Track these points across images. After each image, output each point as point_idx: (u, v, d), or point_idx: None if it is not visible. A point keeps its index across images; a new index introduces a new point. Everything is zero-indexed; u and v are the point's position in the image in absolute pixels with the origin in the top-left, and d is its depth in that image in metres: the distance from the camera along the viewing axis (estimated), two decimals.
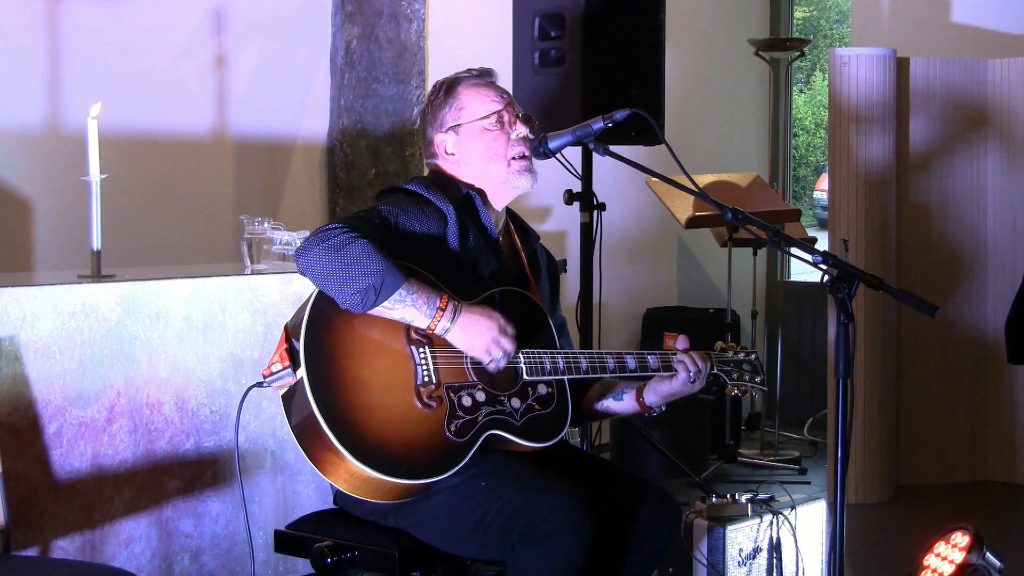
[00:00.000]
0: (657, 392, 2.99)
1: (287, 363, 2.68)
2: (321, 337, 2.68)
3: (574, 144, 2.95)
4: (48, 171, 4.53)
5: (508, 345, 2.76)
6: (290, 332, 2.72)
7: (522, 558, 2.64)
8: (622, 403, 3.05)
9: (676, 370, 2.94)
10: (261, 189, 5.22)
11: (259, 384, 2.73)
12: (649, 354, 2.96)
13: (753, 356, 3.11)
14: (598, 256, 4.38)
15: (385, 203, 2.84)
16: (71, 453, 3.18)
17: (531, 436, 2.80)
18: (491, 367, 2.77)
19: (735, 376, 3.06)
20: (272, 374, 2.69)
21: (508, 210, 3.07)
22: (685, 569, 3.70)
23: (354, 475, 2.65)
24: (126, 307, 3.28)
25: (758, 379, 3.08)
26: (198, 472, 3.45)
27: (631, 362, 2.93)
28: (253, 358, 3.51)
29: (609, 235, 4.40)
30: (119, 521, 3.28)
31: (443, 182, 2.95)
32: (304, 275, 2.70)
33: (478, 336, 2.73)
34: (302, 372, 2.64)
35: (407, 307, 2.68)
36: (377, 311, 2.68)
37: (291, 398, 2.71)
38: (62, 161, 4.48)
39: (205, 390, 3.45)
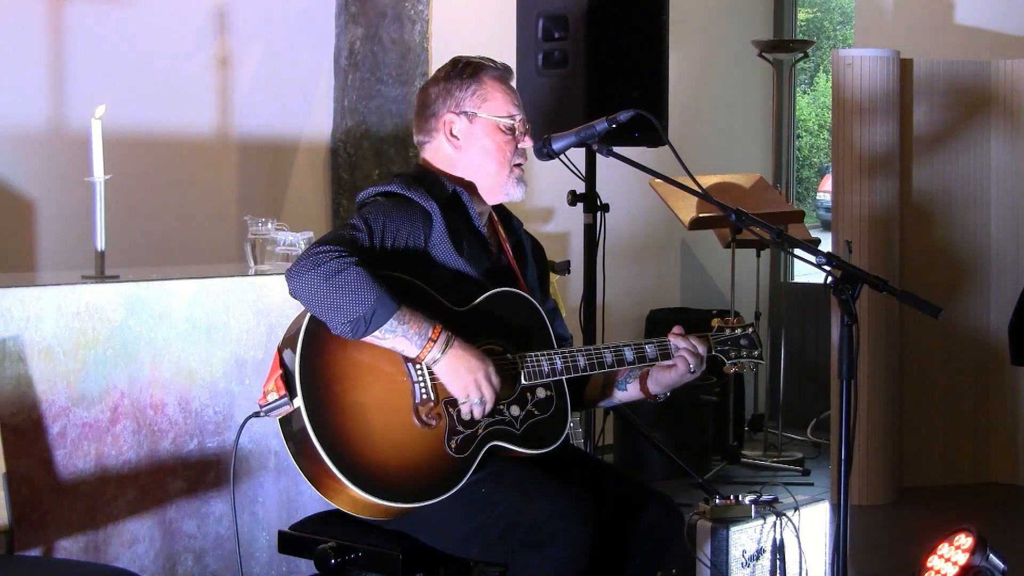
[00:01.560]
0: (660, 382, 2.97)
1: (283, 392, 2.65)
2: (316, 363, 2.66)
3: (578, 145, 2.95)
4: (52, 172, 4.53)
5: (488, 393, 2.70)
6: (284, 357, 2.70)
7: (524, 562, 2.63)
8: (626, 392, 3.03)
9: (675, 361, 2.92)
10: (265, 190, 5.22)
11: (256, 415, 2.72)
12: (647, 343, 2.93)
13: (750, 330, 3.06)
14: (601, 257, 4.37)
15: (369, 212, 2.79)
16: (75, 454, 3.18)
17: (532, 443, 2.79)
18: (463, 409, 2.71)
19: (732, 354, 3.02)
20: (269, 404, 2.66)
21: None
22: (688, 570, 3.70)
23: (357, 501, 2.65)
24: (130, 308, 3.28)
25: (755, 353, 3.04)
26: (201, 473, 3.45)
27: (629, 354, 2.91)
28: (257, 359, 3.52)
29: (612, 236, 4.39)
30: (123, 522, 3.29)
31: (428, 179, 2.90)
32: (295, 299, 2.68)
33: (463, 373, 2.68)
34: (299, 401, 2.62)
35: (398, 337, 2.65)
36: (368, 340, 2.65)
37: (289, 423, 2.70)
38: (66, 162, 4.49)
39: (208, 391, 3.45)
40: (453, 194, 2.89)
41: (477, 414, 2.71)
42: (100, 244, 3.34)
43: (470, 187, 2.93)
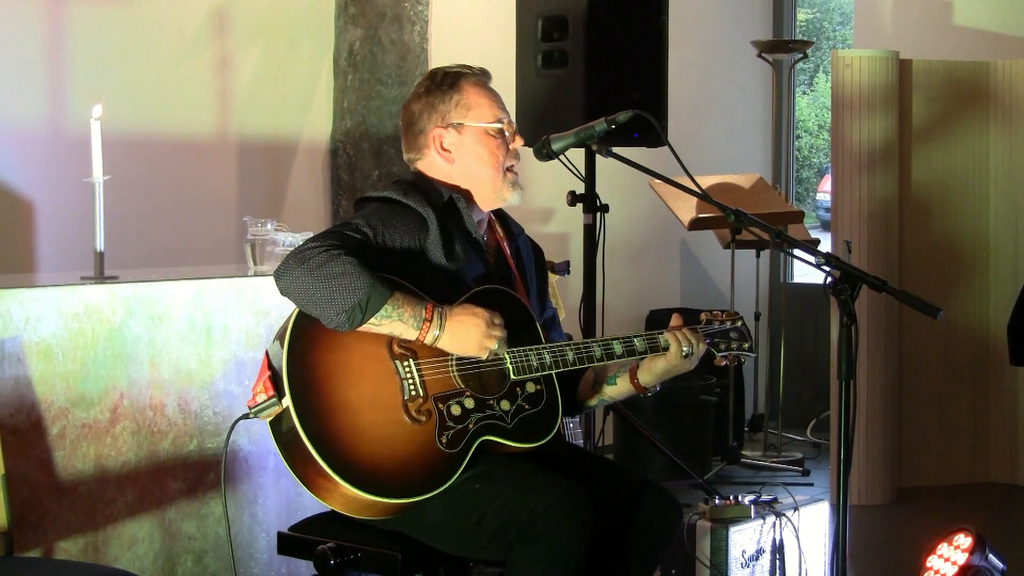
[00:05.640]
0: (651, 370, 2.94)
1: (271, 392, 2.65)
2: (303, 362, 2.65)
3: (577, 146, 2.95)
4: (51, 173, 4.54)
5: (500, 332, 2.74)
6: (271, 358, 2.69)
7: (521, 556, 2.63)
8: (616, 387, 3.01)
9: (667, 347, 2.90)
10: (264, 191, 5.22)
11: (245, 416, 2.71)
12: (635, 337, 2.92)
13: (739, 323, 3.05)
14: (601, 258, 4.37)
15: (363, 215, 2.80)
16: (74, 455, 3.18)
17: (523, 437, 2.79)
18: (491, 358, 2.76)
19: (722, 346, 3.00)
20: (257, 405, 2.66)
21: None
22: (688, 571, 3.70)
23: (350, 499, 2.65)
24: (129, 308, 3.28)
25: (746, 346, 3.02)
26: (201, 474, 3.45)
27: (618, 348, 2.90)
28: (256, 360, 3.51)
29: (612, 237, 4.39)
30: (122, 523, 3.29)
31: (424, 186, 2.90)
32: (285, 297, 2.67)
33: (468, 336, 2.71)
34: (287, 401, 2.62)
35: (394, 322, 2.66)
36: (364, 328, 2.65)
37: (278, 425, 2.69)
38: (65, 162, 4.49)
39: (208, 392, 3.45)
40: (449, 200, 2.89)
41: (503, 353, 2.76)
42: (99, 245, 3.34)
43: (467, 195, 2.93)
